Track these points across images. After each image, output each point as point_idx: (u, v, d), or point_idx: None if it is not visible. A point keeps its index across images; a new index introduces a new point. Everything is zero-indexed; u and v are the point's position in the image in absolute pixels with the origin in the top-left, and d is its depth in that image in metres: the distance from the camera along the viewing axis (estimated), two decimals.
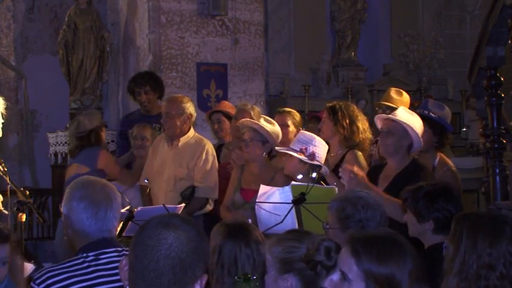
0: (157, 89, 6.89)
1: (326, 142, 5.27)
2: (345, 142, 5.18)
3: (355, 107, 5.64)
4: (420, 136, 4.76)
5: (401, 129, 4.69)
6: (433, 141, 5.06)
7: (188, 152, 5.81)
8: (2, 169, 5.21)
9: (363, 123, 5.28)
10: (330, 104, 5.51)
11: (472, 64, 5.74)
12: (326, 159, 5.10)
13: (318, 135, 5.28)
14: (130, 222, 4.52)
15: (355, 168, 4.47)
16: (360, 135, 5.22)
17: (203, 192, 5.68)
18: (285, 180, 4.96)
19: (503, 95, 5.42)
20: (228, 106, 6.69)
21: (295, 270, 2.69)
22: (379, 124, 4.93)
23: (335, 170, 4.96)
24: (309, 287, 2.70)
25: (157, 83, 6.98)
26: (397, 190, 3.99)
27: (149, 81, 6.89)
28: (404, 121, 4.75)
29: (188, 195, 5.58)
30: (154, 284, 1.94)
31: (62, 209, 3.16)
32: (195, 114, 5.94)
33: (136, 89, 6.92)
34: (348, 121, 5.19)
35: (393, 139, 4.71)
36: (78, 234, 3.06)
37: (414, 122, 4.76)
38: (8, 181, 5.00)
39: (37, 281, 2.92)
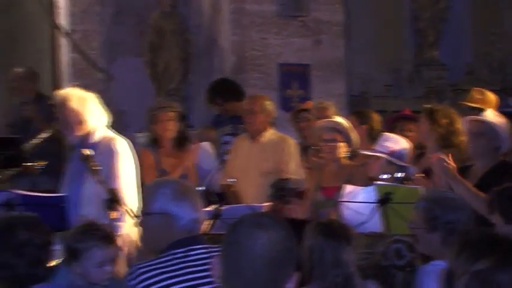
0: (230, 98, 7.12)
1: (420, 145, 5.61)
2: (442, 142, 5.24)
3: (454, 110, 5.73)
4: (508, 138, 4.82)
5: (491, 131, 4.78)
6: None
7: (272, 146, 6.09)
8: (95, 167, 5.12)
9: (455, 123, 5.37)
10: (428, 106, 5.72)
11: None
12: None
13: (403, 136, 5.66)
14: (217, 220, 4.63)
15: (449, 158, 4.67)
16: (459, 137, 5.25)
17: (294, 183, 5.75)
18: (364, 179, 5.16)
19: None
20: (312, 105, 6.85)
21: (372, 276, 2.82)
22: (466, 125, 5.01)
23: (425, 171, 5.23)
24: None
25: (230, 91, 7.26)
26: (484, 189, 4.05)
27: (220, 93, 7.16)
28: (495, 123, 4.85)
29: (279, 189, 5.65)
30: (252, 283, 1.97)
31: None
32: (274, 112, 6.24)
33: (209, 101, 7.36)
34: (446, 120, 5.30)
35: (483, 141, 4.78)
36: (163, 231, 3.19)
37: (502, 124, 4.82)
38: (97, 177, 4.87)
39: (129, 277, 3.04)
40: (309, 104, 6.95)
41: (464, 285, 1.99)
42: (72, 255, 3.35)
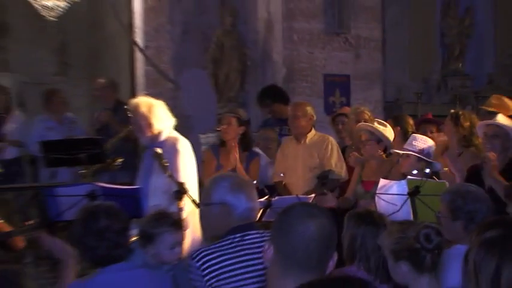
0: (277, 100, 7.71)
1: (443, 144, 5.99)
2: (464, 142, 5.64)
3: (475, 115, 6.17)
4: None
5: (504, 132, 5.19)
6: None
7: (316, 145, 6.36)
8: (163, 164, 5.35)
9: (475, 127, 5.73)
10: (452, 111, 6.10)
11: None
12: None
13: (428, 136, 5.89)
14: (268, 209, 4.88)
15: (493, 155, 5.04)
16: (479, 138, 5.59)
17: (337, 174, 6.24)
18: (400, 174, 5.33)
19: None
20: (348, 110, 7.19)
21: (404, 257, 2.90)
22: (482, 128, 5.42)
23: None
24: (418, 270, 2.90)
25: (277, 94, 7.85)
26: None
27: (268, 94, 7.82)
28: (506, 126, 5.24)
29: (323, 177, 6.03)
30: (305, 263, 2.18)
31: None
32: (315, 116, 6.54)
33: (259, 102, 7.92)
34: (468, 124, 5.65)
35: (497, 142, 5.18)
36: (222, 218, 3.44)
37: None
38: (167, 172, 5.12)
39: (195, 259, 3.23)
40: (346, 109, 7.34)
41: (474, 254, 2.24)
42: (147, 239, 3.67)
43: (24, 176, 8.82)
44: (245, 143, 6.41)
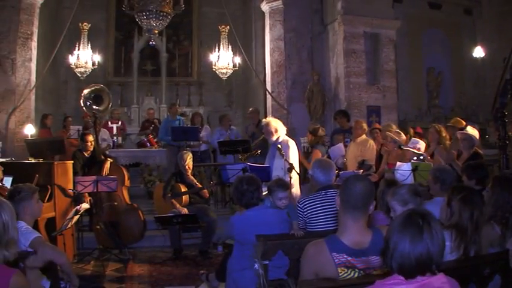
0: (344, 117, 9.10)
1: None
2: (440, 142, 6.80)
3: (445, 127, 7.10)
4: (478, 140, 6.32)
5: (469, 137, 6.20)
6: None
7: (362, 144, 7.67)
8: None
9: (447, 134, 6.90)
10: (435, 125, 7.17)
11: None
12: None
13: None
14: (337, 177, 5.35)
15: (453, 152, 6.10)
16: (448, 142, 6.73)
17: (370, 161, 7.31)
18: (407, 159, 6.56)
19: None
20: (379, 126, 8.69)
21: (414, 201, 3.36)
22: (457, 135, 6.37)
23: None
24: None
25: (344, 114, 9.22)
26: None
27: (339, 114, 9.23)
28: (471, 133, 6.28)
29: (361, 163, 7.25)
30: (355, 206, 2.75)
31: (310, 171, 4.49)
32: (366, 128, 7.89)
33: (334, 118, 9.49)
34: (444, 133, 6.87)
35: (466, 142, 6.24)
36: (316, 182, 4.33)
37: (475, 133, 6.36)
38: (283, 158, 6.15)
39: (299, 202, 4.24)
40: (376, 125, 8.92)
41: (457, 206, 3.07)
42: (269, 192, 4.46)
43: (210, 159, 11.15)
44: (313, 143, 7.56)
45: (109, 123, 11.72)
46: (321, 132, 8.17)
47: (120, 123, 11.85)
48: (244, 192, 4.29)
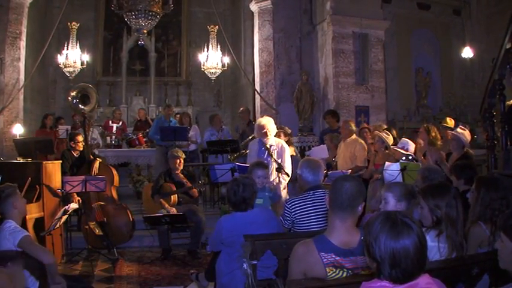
0: (333, 117, 9.30)
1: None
2: (431, 143, 6.62)
3: (436, 127, 6.88)
4: (468, 141, 6.19)
5: (458, 137, 6.15)
6: None
7: (351, 144, 7.68)
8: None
9: (437, 135, 6.69)
10: (425, 125, 6.97)
11: None
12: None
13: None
14: (326, 178, 5.71)
15: (442, 153, 5.99)
16: (439, 141, 6.62)
17: (361, 163, 7.41)
18: (394, 160, 6.42)
19: None
20: (367, 126, 8.64)
21: (408, 200, 3.46)
22: (450, 135, 6.33)
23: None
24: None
25: (333, 114, 9.37)
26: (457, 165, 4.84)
27: (328, 114, 9.37)
28: (460, 133, 6.18)
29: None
30: (344, 205, 2.75)
31: (298, 171, 4.35)
32: (355, 129, 7.90)
33: (323, 118, 9.53)
34: (433, 132, 6.67)
35: (455, 142, 6.24)
36: (304, 182, 4.30)
37: (465, 134, 6.23)
38: (273, 157, 6.15)
39: (287, 203, 4.15)
40: (365, 125, 8.82)
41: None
42: (249, 172, 4.74)
43: (199, 159, 11.15)
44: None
45: (110, 122, 11.87)
46: (283, 137, 7.70)
47: (121, 123, 11.97)
48: (238, 196, 4.19)
